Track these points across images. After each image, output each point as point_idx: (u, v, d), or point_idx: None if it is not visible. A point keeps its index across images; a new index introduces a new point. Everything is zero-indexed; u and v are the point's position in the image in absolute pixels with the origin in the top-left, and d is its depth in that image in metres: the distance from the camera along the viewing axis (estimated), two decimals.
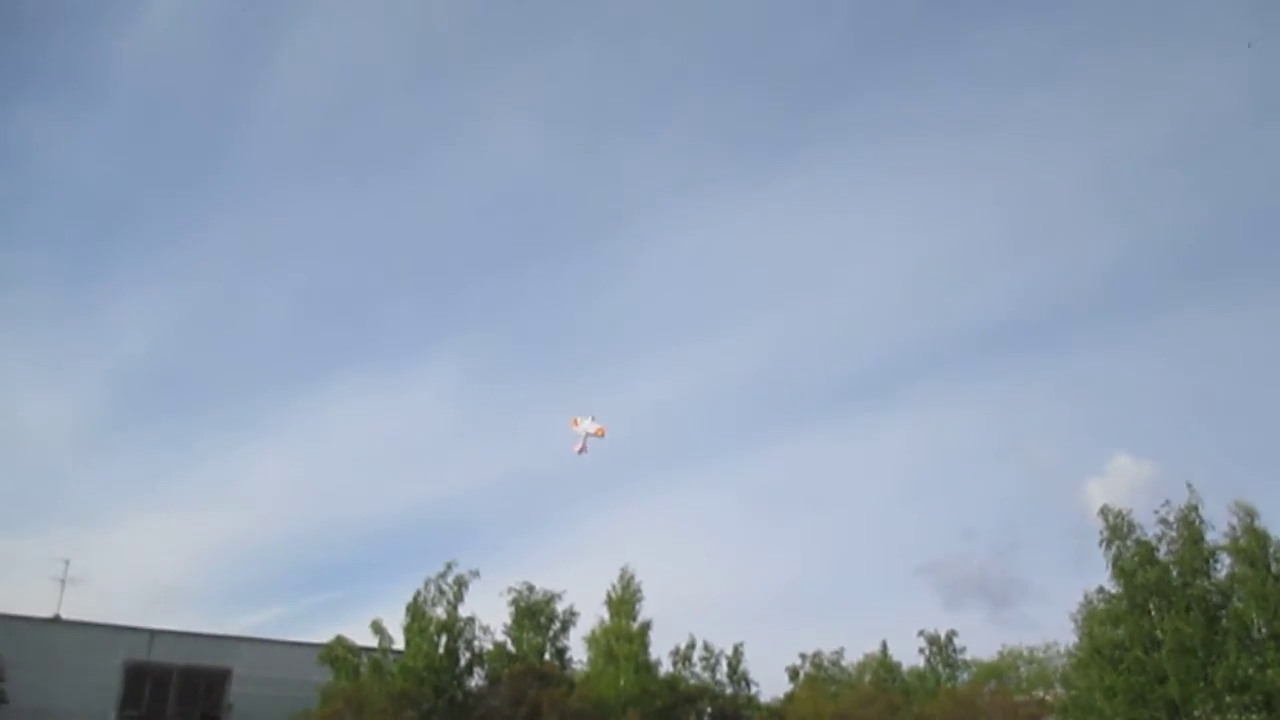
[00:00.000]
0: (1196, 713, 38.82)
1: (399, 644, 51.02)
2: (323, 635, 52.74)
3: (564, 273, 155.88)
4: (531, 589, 55.84)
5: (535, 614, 55.53)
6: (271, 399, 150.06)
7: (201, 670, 51.97)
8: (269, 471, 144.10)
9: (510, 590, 55.60)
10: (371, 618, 51.57)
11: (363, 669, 50.19)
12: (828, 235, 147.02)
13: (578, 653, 57.31)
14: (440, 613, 50.96)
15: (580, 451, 50.09)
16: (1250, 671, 37.58)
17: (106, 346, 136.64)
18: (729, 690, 60.05)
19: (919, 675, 61.18)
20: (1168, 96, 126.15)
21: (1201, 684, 38.43)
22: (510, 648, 54.37)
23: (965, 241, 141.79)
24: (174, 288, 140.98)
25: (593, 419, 50.28)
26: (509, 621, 55.33)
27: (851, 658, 66.26)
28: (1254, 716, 37.36)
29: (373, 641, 51.20)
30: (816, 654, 66.15)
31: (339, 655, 50.57)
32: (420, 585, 51.30)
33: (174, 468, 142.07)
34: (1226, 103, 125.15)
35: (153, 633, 52.12)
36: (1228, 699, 38.08)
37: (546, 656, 54.58)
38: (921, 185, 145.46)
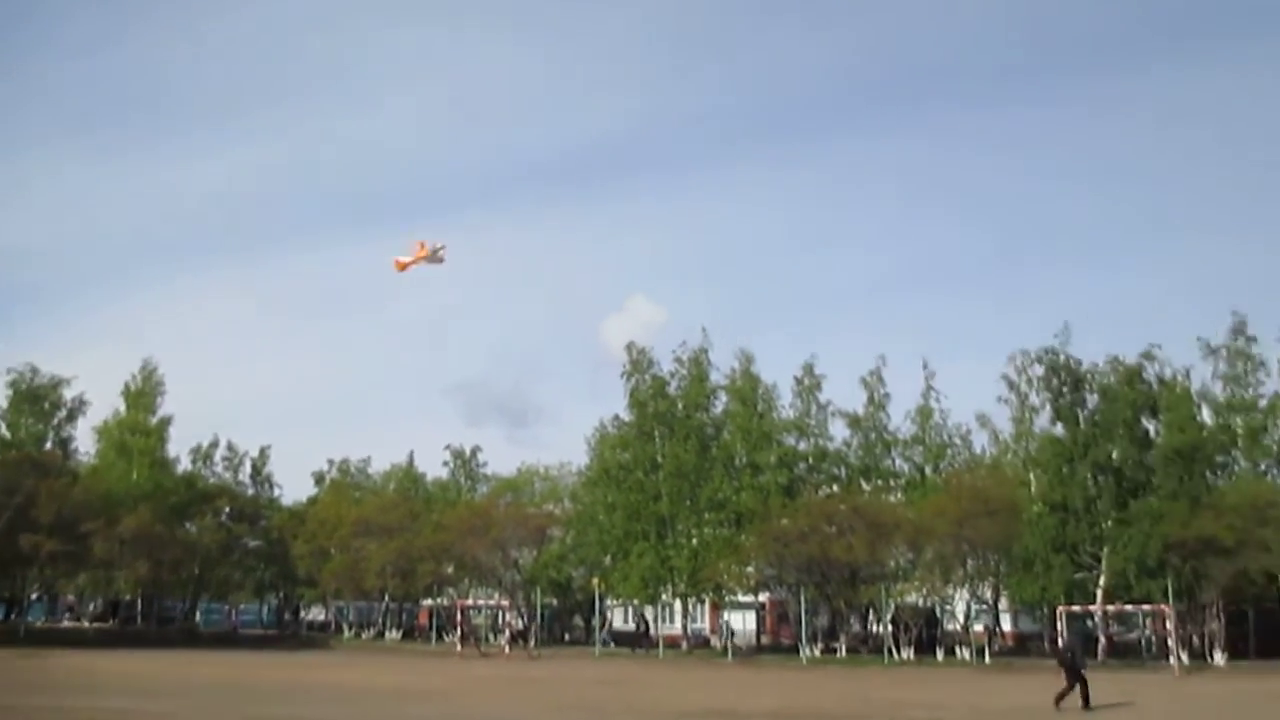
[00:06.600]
0: (680, 526, 45.09)
1: None
2: None
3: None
4: (35, 372, 50.90)
5: (38, 399, 50.80)
6: None
7: None
8: None
9: (9, 371, 50.40)
10: None
11: None
12: None
13: (85, 444, 54.01)
14: None
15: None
16: (728, 494, 44.31)
17: None
18: (251, 491, 59.44)
19: (442, 486, 64.14)
20: None
21: (688, 503, 44.65)
22: (4, 433, 49.53)
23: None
24: None
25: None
26: (5, 405, 50.38)
27: (378, 466, 67.87)
28: (724, 531, 44.20)
29: None
30: (344, 461, 67.08)
31: None
32: None
33: None
34: None
35: None
36: (707, 515, 44.72)
37: (48, 445, 50.39)
38: None
